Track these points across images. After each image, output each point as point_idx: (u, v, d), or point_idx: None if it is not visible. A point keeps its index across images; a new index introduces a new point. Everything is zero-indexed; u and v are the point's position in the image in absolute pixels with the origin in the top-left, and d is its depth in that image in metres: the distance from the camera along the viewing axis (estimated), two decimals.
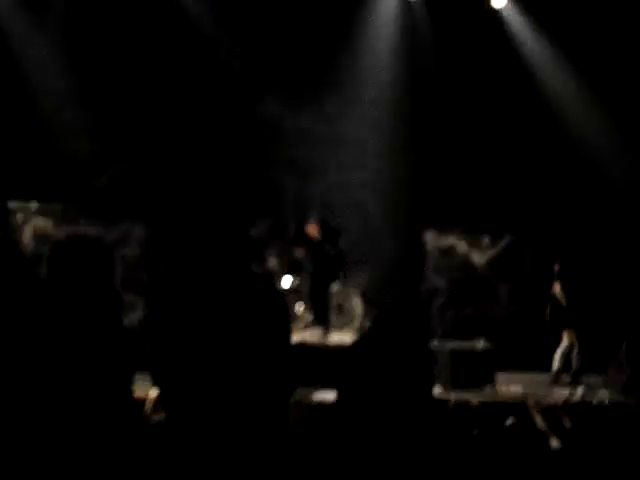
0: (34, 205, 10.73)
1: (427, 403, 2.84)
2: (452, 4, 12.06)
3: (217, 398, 2.76)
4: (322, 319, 10.45)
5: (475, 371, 9.48)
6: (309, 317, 10.64)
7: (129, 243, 11.20)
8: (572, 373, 10.08)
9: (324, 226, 10.52)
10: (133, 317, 10.64)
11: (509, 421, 6.14)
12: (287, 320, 3.10)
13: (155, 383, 2.88)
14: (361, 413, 2.74)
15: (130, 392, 2.75)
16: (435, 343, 9.89)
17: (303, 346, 9.29)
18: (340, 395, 2.79)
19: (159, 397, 5.07)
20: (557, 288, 10.21)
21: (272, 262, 11.05)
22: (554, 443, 6.24)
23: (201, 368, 2.81)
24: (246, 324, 2.91)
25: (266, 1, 11.75)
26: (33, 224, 10.63)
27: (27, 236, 10.58)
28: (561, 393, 9.42)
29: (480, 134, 12.24)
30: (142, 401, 4.95)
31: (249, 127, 12.16)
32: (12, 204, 10.61)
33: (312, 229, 10.53)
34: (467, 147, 12.22)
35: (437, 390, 8.78)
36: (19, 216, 10.58)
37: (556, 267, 10.24)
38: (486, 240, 12.20)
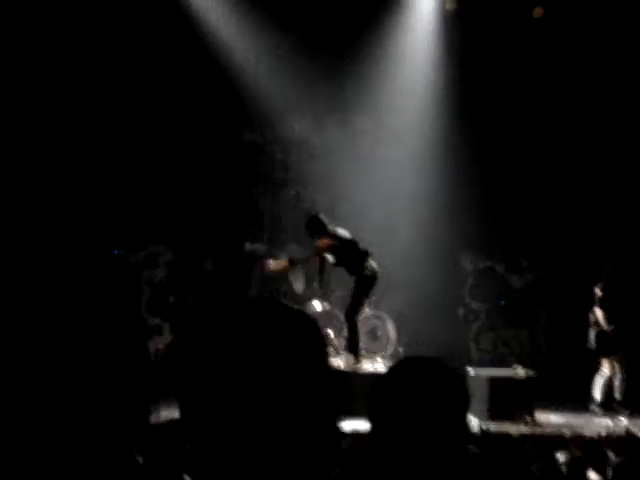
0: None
1: (461, 435, 2.80)
2: (490, 13, 11.82)
3: (252, 433, 2.48)
4: (353, 345, 10.12)
5: (514, 401, 9.16)
6: (340, 343, 10.34)
7: (156, 266, 11.00)
8: (615, 403, 9.73)
9: (347, 246, 10.10)
10: (159, 341, 10.46)
11: (561, 457, 5.82)
12: (323, 345, 2.81)
13: (181, 414, 2.64)
14: (395, 444, 2.70)
15: (147, 416, 2.52)
16: (472, 370, 9.57)
17: (336, 372, 9.02)
18: (374, 426, 2.72)
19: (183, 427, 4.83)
20: (598, 313, 9.86)
21: (299, 286, 10.79)
22: (593, 477, 5.98)
23: (233, 400, 2.52)
24: (281, 352, 2.62)
25: (295, 13, 11.56)
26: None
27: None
28: (603, 424, 9.10)
29: (517, 153, 11.98)
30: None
31: (275, 147, 12.01)
32: None
33: (323, 242, 10.15)
34: (505, 167, 11.96)
35: (474, 420, 8.49)
36: None
37: (597, 291, 9.90)
38: (524, 263, 11.89)
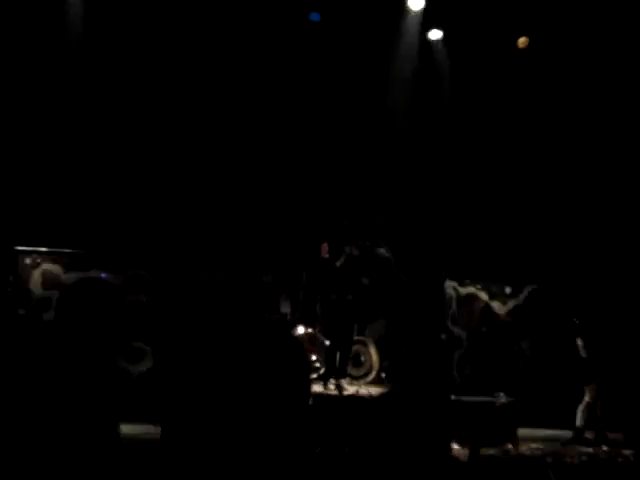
0: (43, 250, 10.58)
1: (444, 458, 2.88)
2: (474, 44, 11.99)
3: (232, 451, 2.55)
4: (337, 370, 10.14)
5: (495, 426, 9.19)
6: (322, 368, 10.34)
7: (138, 290, 11.00)
8: (596, 430, 9.76)
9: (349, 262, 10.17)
10: (142, 365, 10.42)
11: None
12: (306, 368, 2.88)
13: (163, 435, 2.69)
14: (378, 466, 2.74)
15: (114, 438, 2.57)
16: (454, 396, 9.59)
17: (319, 397, 9.05)
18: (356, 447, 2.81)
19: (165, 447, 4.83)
20: (580, 341, 9.93)
21: (285, 310, 10.80)
22: None
23: (215, 420, 2.59)
24: (262, 373, 2.68)
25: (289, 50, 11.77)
26: (42, 269, 10.45)
27: (35, 280, 10.39)
28: (583, 451, 9.13)
29: (501, 179, 12.11)
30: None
31: (264, 171, 12.10)
32: (21, 248, 10.46)
33: (323, 249, 10.24)
34: (488, 192, 12.08)
35: (455, 446, 8.51)
36: (28, 260, 10.41)
37: (576, 321, 9.97)
38: (507, 290, 11.93)
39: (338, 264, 9.88)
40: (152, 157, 11.68)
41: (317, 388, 9.68)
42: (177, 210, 11.63)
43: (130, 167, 11.63)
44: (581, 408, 9.82)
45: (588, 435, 9.76)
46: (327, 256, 10.21)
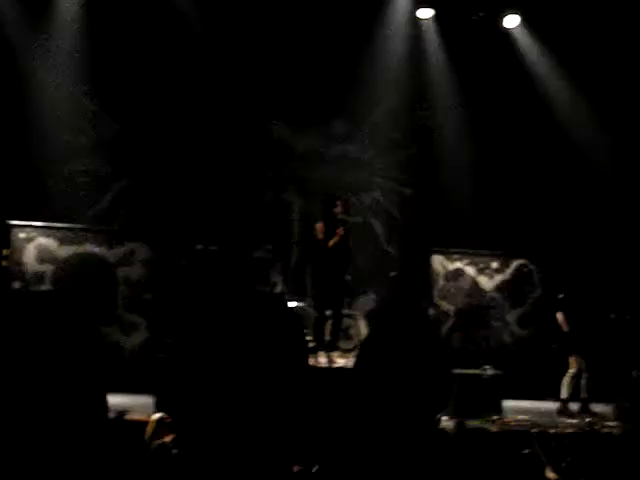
0: (38, 224, 10.65)
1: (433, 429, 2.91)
2: (461, 24, 12.07)
3: (234, 421, 2.65)
4: (329, 343, 10.31)
5: (482, 399, 9.36)
6: (313, 341, 10.50)
7: (133, 264, 11.11)
8: (580, 402, 9.95)
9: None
10: (135, 338, 10.56)
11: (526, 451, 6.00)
12: (303, 337, 3.00)
13: (162, 408, 2.80)
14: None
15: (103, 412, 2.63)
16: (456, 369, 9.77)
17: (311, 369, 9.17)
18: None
19: (162, 422, 4.95)
20: (560, 315, 10.10)
21: (277, 285, 10.93)
22: (550, 475, 6.16)
23: (216, 391, 2.69)
24: (261, 343, 2.78)
25: (276, 22, 11.74)
26: (36, 243, 10.54)
27: (30, 255, 10.49)
28: (568, 422, 9.31)
29: (489, 155, 12.22)
30: (142, 424, 4.83)
31: (257, 148, 12.16)
32: (15, 222, 10.54)
33: (319, 228, 10.30)
34: (476, 169, 12.20)
35: (442, 417, 8.65)
36: (22, 235, 10.50)
37: (560, 295, 10.14)
38: (494, 264, 12.08)
39: (331, 244, 9.96)
40: (150, 132, 11.75)
41: (309, 361, 9.81)
42: (173, 185, 11.71)
43: (128, 143, 11.70)
44: (566, 380, 10.01)
45: (573, 407, 9.96)
46: (322, 237, 10.27)
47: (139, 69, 11.60)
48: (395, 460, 2.91)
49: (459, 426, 8.06)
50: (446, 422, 8.49)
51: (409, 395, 3.11)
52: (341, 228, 9.83)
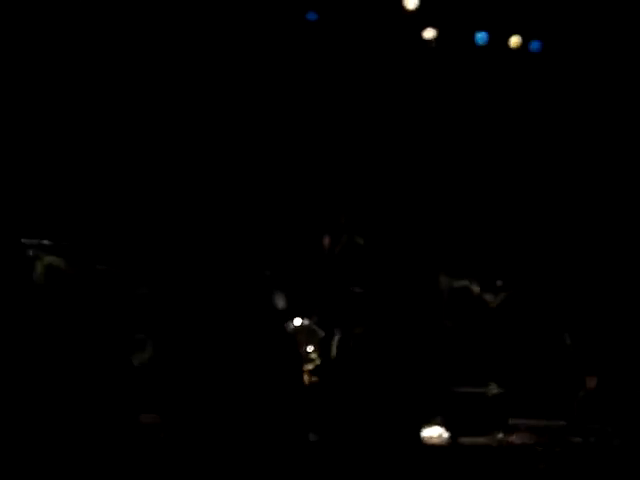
0: (47, 242, 10.72)
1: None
2: None
3: (226, 438, 2.77)
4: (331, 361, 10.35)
5: (487, 416, 9.39)
6: (318, 360, 10.54)
7: (141, 282, 11.16)
8: (586, 421, 9.96)
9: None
10: (143, 356, 10.59)
11: None
12: (295, 362, 3.08)
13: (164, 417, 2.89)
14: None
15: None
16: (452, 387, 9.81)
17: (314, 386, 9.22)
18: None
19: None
20: (566, 337, 10.15)
21: (282, 302, 10.96)
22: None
23: (209, 412, 2.81)
24: (253, 364, 2.89)
25: None
26: (45, 261, 10.60)
27: (38, 272, 10.55)
28: (574, 441, 9.32)
29: (489, 170, 12.31)
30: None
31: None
32: (24, 240, 10.60)
33: (326, 241, 10.40)
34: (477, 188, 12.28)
35: (445, 435, 8.72)
36: (31, 252, 10.56)
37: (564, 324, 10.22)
38: (499, 283, 12.10)
39: (337, 251, 10.06)
40: (148, 147, 11.84)
41: (314, 379, 9.88)
42: (176, 203, 11.79)
43: (127, 159, 11.80)
44: (577, 399, 10.05)
45: (579, 425, 9.98)
46: (328, 246, 10.37)
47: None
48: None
49: (453, 440, 8.14)
50: (440, 437, 8.58)
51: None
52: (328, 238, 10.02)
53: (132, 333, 10.64)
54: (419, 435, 3.14)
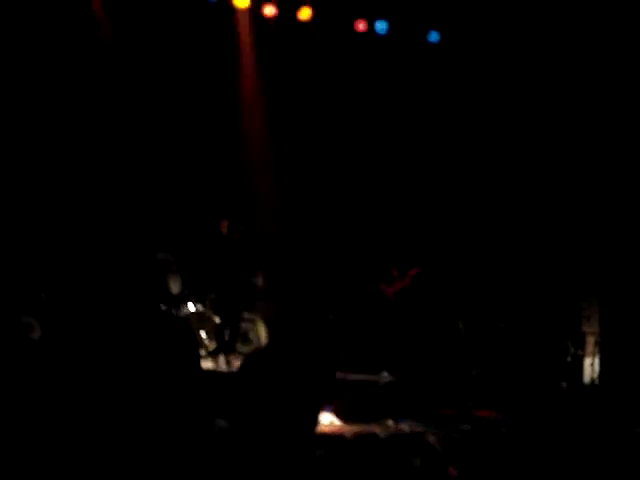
0: None
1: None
2: None
3: (129, 430, 2.67)
4: (227, 347, 10.31)
5: (378, 404, 9.48)
6: (213, 344, 10.49)
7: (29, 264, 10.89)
8: (472, 407, 10.18)
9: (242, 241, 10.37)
10: (31, 339, 10.34)
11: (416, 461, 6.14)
12: (192, 347, 3.02)
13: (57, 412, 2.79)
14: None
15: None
16: (341, 374, 9.86)
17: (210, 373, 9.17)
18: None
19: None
20: (460, 325, 10.34)
21: (177, 287, 10.85)
22: (453, 472, 6.30)
23: (109, 404, 2.69)
24: (149, 354, 2.80)
25: None
26: None
27: None
28: (463, 428, 9.50)
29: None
30: None
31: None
32: None
33: (223, 226, 10.38)
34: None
35: (337, 421, 8.77)
36: None
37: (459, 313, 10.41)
38: (395, 271, 12.20)
39: (235, 238, 10.11)
40: None
41: (208, 364, 9.83)
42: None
43: None
44: (464, 386, 10.25)
45: (466, 412, 10.18)
46: (226, 232, 10.36)
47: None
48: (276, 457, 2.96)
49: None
50: (342, 425, 8.65)
51: (290, 397, 3.17)
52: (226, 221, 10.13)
53: (19, 316, 10.42)
54: (315, 422, 3.11)
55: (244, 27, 12.11)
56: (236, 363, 10.08)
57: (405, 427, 9.31)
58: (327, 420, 8.58)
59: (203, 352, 10.16)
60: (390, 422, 9.33)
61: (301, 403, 3.18)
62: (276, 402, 3.12)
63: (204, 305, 10.80)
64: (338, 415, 8.83)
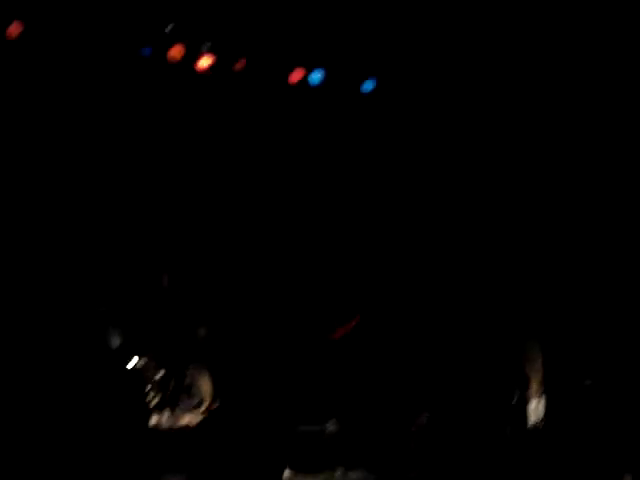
0: None
1: None
2: None
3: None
4: (171, 400, 10.19)
5: (325, 454, 9.42)
6: (157, 399, 10.35)
7: None
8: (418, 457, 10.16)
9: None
10: None
11: None
12: (138, 402, 2.98)
13: None
14: None
15: None
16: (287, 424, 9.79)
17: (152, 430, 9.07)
18: None
19: None
20: None
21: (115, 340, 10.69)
22: None
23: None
24: (93, 411, 2.78)
25: None
26: None
27: None
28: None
29: None
30: None
31: None
32: None
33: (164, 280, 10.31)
34: None
35: (286, 473, 8.69)
36: None
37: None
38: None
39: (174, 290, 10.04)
40: None
41: (152, 420, 9.70)
42: None
43: None
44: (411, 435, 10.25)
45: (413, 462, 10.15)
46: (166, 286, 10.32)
47: None
48: None
49: None
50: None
51: None
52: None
53: None
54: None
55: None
56: (181, 418, 9.95)
57: (353, 476, 9.28)
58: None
59: (150, 405, 10.02)
60: (339, 472, 9.30)
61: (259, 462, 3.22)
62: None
63: (148, 357, 10.66)
64: (291, 468, 8.80)
